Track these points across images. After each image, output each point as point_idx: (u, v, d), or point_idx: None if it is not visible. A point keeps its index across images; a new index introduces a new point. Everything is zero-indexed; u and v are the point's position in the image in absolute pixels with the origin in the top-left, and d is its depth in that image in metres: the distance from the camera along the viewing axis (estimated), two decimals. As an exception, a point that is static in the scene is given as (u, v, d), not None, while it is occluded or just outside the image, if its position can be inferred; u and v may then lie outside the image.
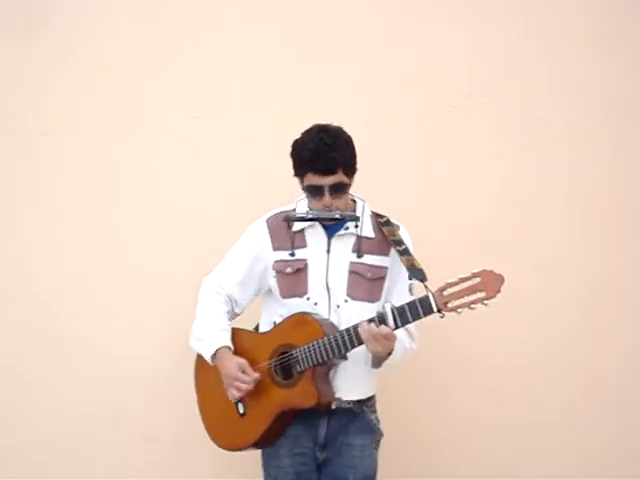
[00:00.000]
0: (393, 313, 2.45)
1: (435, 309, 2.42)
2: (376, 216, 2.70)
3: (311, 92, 3.30)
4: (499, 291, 2.38)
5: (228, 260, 2.75)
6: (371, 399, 2.71)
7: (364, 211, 2.67)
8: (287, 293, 2.63)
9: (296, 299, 2.62)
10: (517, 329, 3.34)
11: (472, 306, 2.39)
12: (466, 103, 3.35)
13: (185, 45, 3.35)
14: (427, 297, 2.43)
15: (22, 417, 3.32)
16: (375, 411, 2.72)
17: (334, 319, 2.59)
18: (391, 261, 2.66)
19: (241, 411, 2.64)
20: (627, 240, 3.38)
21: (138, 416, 3.30)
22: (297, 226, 2.64)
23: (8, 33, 3.33)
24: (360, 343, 2.48)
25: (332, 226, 2.63)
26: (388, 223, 2.69)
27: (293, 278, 2.62)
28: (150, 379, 3.31)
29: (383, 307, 2.50)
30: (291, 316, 2.59)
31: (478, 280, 2.38)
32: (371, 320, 2.46)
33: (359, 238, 2.63)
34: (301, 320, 2.57)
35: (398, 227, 2.70)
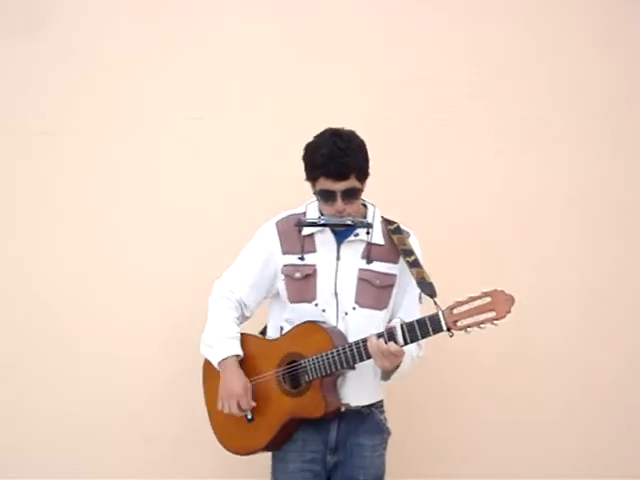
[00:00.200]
0: (402, 330, 2.43)
1: (445, 328, 2.40)
2: (386, 222, 2.68)
3: (311, 92, 3.30)
4: (509, 312, 2.37)
5: (238, 263, 2.73)
6: (379, 400, 2.71)
7: (374, 217, 2.65)
8: (295, 298, 2.62)
9: (304, 304, 2.61)
10: (517, 329, 3.34)
11: (482, 325, 2.38)
12: (466, 103, 3.36)
13: (185, 45, 3.35)
14: (437, 315, 2.41)
15: (22, 417, 3.31)
16: (383, 411, 2.72)
17: (342, 326, 2.58)
18: (400, 269, 2.64)
19: (249, 417, 2.64)
20: (627, 240, 3.38)
21: (138, 416, 3.30)
22: (307, 230, 2.62)
23: (8, 33, 3.33)
24: (368, 357, 2.47)
25: (342, 232, 2.61)
26: (398, 230, 2.66)
27: (302, 283, 2.61)
28: (150, 379, 3.31)
29: (393, 322, 2.49)
30: (300, 324, 2.58)
31: (488, 300, 2.37)
32: (380, 335, 2.45)
33: (369, 245, 2.62)
34: (310, 329, 2.55)
35: (408, 235, 2.68)
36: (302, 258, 2.62)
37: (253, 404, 2.59)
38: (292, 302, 2.63)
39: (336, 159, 2.49)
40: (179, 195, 3.33)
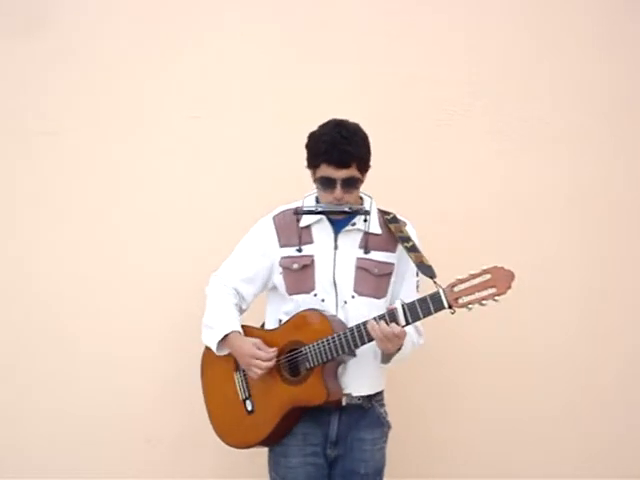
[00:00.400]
0: (404, 309, 2.45)
1: (446, 305, 2.42)
2: (382, 213, 2.71)
3: (311, 92, 3.30)
4: (510, 287, 2.38)
5: (235, 257, 2.75)
6: (380, 393, 2.72)
7: (371, 208, 2.67)
8: (294, 289, 2.63)
9: (303, 295, 2.62)
10: (517, 329, 3.34)
11: (483, 302, 2.39)
12: (466, 103, 3.36)
13: (185, 45, 3.35)
14: (438, 293, 2.43)
15: (22, 417, 3.32)
16: (384, 405, 2.73)
17: (341, 315, 2.59)
18: (397, 258, 2.66)
19: (249, 408, 2.65)
20: (627, 240, 3.38)
21: (138, 416, 3.30)
22: (304, 222, 2.64)
23: (8, 33, 3.33)
24: (370, 340, 2.48)
25: (339, 222, 2.63)
26: (395, 220, 2.69)
27: (300, 274, 2.62)
28: (150, 379, 3.31)
29: (394, 303, 2.50)
30: (300, 313, 2.59)
31: (489, 276, 2.38)
32: (381, 317, 2.46)
33: (366, 234, 2.63)
34: (310, 317, 2.57)
35: (405, 223, 2.71)
36: (300, 250, 2.63)
37: (273, 349, 2.57)
38: (290, 294, 2.64)
39: (339, 147, 2.51)
40: (179, 195, 3.34)
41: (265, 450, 2.72)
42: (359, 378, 2.61)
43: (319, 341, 2.52)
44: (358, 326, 2.50)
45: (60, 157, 3.34)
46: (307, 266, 2.62)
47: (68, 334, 3.30)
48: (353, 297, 2.61)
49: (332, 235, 2.63)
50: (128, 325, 3.31)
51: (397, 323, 2.44)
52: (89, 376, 3.30)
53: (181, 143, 3.34)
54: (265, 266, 2.69)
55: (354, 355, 2.56)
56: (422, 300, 2.44)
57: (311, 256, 2.62)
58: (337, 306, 2.60)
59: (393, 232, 2.64)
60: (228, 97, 3.34)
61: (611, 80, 3.39)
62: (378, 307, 2.58)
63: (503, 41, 3.39)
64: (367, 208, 2.64)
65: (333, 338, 2.51)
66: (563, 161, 3.37)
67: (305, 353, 2.55)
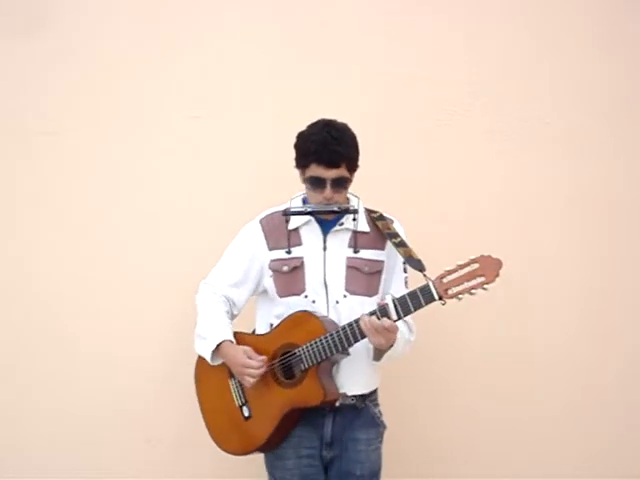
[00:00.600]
0: (394, 304, 2.45)
1: (436, 297, 2.42)
2: (369, 212, 2.72)
3: (311, 92, 3.30)
4: (498, 275, 2.39)
5: (224, 262, 2.75)
6: (374, 393, 2.72)
7: (359, 206, 2.67)
8: (284, 292, 2.63)
9: (294, 297, 2.62)
10: (517, 329, 3.34)
11: (472, 291, 2.40)
12: (466, 103, 3.36)
13: (185, 45, 3.35)
14: (427, 285, 2.44)
15: (22, 417, 3.32)
16: (378, 405, 2.73)
17: (333, 315, 2.60)
18: (387, 255, 2.67)
19: (246, 414, 2.65)
20: (627, 240, 3.38)
21: (138, 416, 3.30)
22: (292, 224, 2.64)
23: (8, 33, 3.33)
24: (363, 337, 2.49)
25: (327, 223, 2.64)
26: (382, 217, 2.70)
27: (290, 276, 2.63)
28: (150, 379, 3.31)
29: (383, 298, 2.50)
30: (291, 315, 2.59)
31: (477, 266, 2.39)
32: (372, 313, 2.47)
33: (355, 233, 2.64)
34: (301, 318, 2.57)
35: (392, 221, 2.71)
36: (289, 252, 2.64)
37: (262, 357, 2.56)
38: (281, 296, 2.64)
39: (329, 146, 2.52)
40: (179, 195, 3.34)
41: (263, 450, 2.73)
42: (353, 377, 2.61)
43: (312, 342, 2.53)
44: (350, 324, 2.50)
45: (60, 157, 3.34)
46: (297, 268, 2.62)
47: (68, 334, 3.31)
48: (345, 296, 2.61)
49: (321, 236, 2.64)
50: (128, 325, 3.31)
51: (389, 318, 2.44)
52: (89, 376, 3.30)
53: (181, 143, 3.34)
54: (254, 270, 2.69)
55: (348, 354, 2.56)
56: (412, 293, 2.45)
57: (301, 258, 2.63)
58: (328, 306, 2.61)
59: (381, 229, 2.65)
60: (228, 97, 3.34)
61: (611, 80, 3.39)
62: (370, 305, 2.58)
63: (503, 41, 3.39)
64: (355, 207, 2.64)
65: (326, 338, 2.51)
66: (563, 161, 3.37)
67: (299, 355, 2.55)
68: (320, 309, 2.60)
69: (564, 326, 3.35)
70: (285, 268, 2.63)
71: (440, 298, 2.42)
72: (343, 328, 2.51)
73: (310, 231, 2.65)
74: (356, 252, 2.63)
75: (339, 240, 2.64)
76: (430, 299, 2.43)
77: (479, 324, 3.26)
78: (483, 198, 3.35)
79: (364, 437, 2.64)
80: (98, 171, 3.34)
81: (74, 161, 3.34)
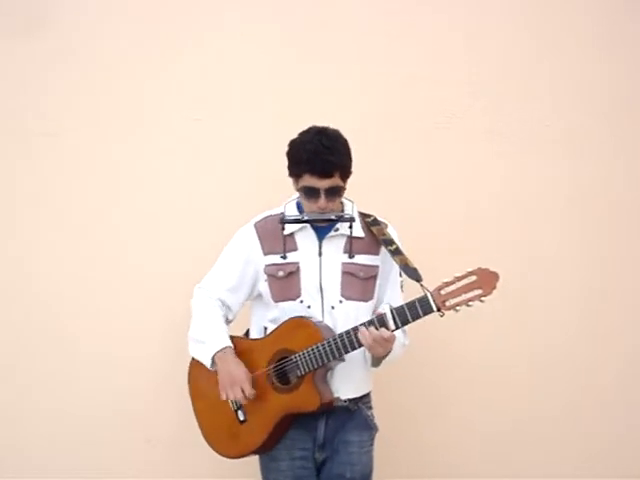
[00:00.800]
0: (393, 314, 2.45)
1: (435, 308, 2.43)
2: (363, 216, 2.71)
3: (311, 92, 3.30)
4: (495, 288, 2.40)
5: (218, 267, 2.74)
6: (367, 396, 2.72)
7: (353, 212, 2.67)
8: (279, 297, 2.63)
9: (289, 302, 2.62)
10: (517, 329, 3.35)
11: (470, 303, 2.41)
12: (466, 103, 3.36)
13: (185, 45, 3.35)
14: (426, 297, 2.44)
15: (22, 417, 3.32)
16: (371, 407, 2.73)
17: (328, 321, 2.60)
18: (381, 260, 2.67)
19: (241, 418, 2.65)
20: (627, 240, 3.39)
21: (138, 416, 3.30)
22: (288, 229, 2.63)
23: (8, 33, 3.33)
24: (360, 345, 2.49)
25: (322, 229, 2.64)
26: (376, 222, 2.69)
27: (285, 282, 2.62)
28: (150, 379, 3.31)
29: (382, 308, 2.51)
30: (288, 320, 2.58)
31: (474, 278, 2.40)
32: (370, 323, 2.47)
33: (350, 238, 2.64)
34: (298, 324, 2.57)
35: (386, 225, 2.71)
36: (284, 257, 2.63)
37: (253, 392, 2.58)
38: (276, 301, 2.64)
39: (321, 156, 2.51)
40: (179, 195, 3.34)
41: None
42: (347, 381, 2.62)
43: (310, 348, 2.52)
44: (348, 332, 2.50)
45: (60, 157, 3.34)
46: (293, 273, 2.62)
47: (68, 334, 3.31)
48: (341, 302, 2.61)
49: (316, 242, 2.64)
50: (128, 325, 3.31)
51: (387, 328, 2.44)
52: (89, 376, 3.30)
53: (181, 143, 3.33)
54: (249, 274, 2.68)
55: (343, 360, 2.57)
56: (411, 304, 2.45)
57: (296, 263, 2.62)
58: (323, 312, 2.61)
59: (375, 235, 2.65)
60: (228, 97, 3.34)
61: (611, 80, 3.39)
62: (366, 309, 2.60)
63: (503, 41, 3.39)
64: (350, 212, 2.64)
65: (323, 345, 2.51)
66: (563, 161, 3.37)
67: (295, 361, 2.55)
68: (315, 314, 2.60)
69: (564, 326, 3.35)
70: (281, 273, 2.63)
71: (438, 310, 2.43)
72: (340, 336, 2.51)
73: (305, 237, 2.65)
74: (351, 257, 2.63)
75: (334, 246, 2.64)
76: (429, 310, 2.44)
77: (479, 323, 3.25)
78: (483, 198, 3.35)
79: (356, 439, 2.65)
80: (98, 171, 3.34)
81: (74, 161, 3.34)
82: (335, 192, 2.57)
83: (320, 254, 2.63)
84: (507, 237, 3.33)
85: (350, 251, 2.63)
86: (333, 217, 2.57)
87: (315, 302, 2.61)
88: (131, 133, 3.34)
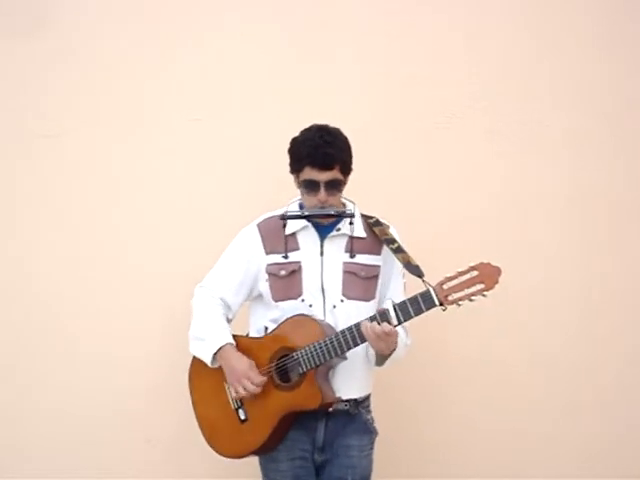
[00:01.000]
0: (395, 310, 2.46)
1: (437, 302, 2.44)
2: (365, 217, 2.72)
3: (311, 92, 3.30)
4: (497, 282, 2.42)
5: (220, 266, 2.75)
6: (367, 399, 2.72)
7: (355, 212, 2.68)
8: (280, 296, 2.64)
9: (290, 301, 2.62)
10: (517, 329, 3.35)
11: (472, 298, 2.43)
12: (466, 104, 3.35)
13: (185, 45, 3.36)
14: (428, 291, 2.45)
15: (22, 417, 3.32)
16: (370, 411, 2.73)
17: (330, 320, 2.60)
18: (383, 260, 2.68)
19: (242, 417, 2.64)
20: (627, 240, 3.38)
21: (138, 416, 3.30)
22: (290, 229, 2.64)
23: (8, 33, 3.33)
24: (363, 341, 2.49)
25: (324, 228, 2.64)
26: (378, 223, 2.70)
27: (287, 281, 2.63)
28: (150, 379, 3.31)
29: (384, 304, 2.52)
30: (289, 319, 2.59)
31: (476, 273, 2.42)
32: (373, 318, 2.48)
33: (351, 238, 2.65)
34: (300, 321, 2.57)
35: (388, 226, 2.72)
36: (286, 256, 2.64)
37: (263, 378, 2.57)
38: (277, 300, 2.64)
39: (322, 149, 2.54)
40: (179, 195, 3.34)
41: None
42: (349, 381, 2.62)
43: (311, 345, 2.53)
44: (350, 328, 2.51)
45: (60, 157, 3.34)
46: (294, 272, 2.63)
47: (68, 334, 3.31)
48: (342, 301, 2.62)
49: (318, 241, 2.64)
50: (128, 325, 3.31)
51: (389, 323, 2.45)
52: (89, 376, 3.30)
53: (181, 143, 3.34)
54: (251, 274, 2.69)
55: (345, 358, 2.57)
56: (413, 299, 2.46)
57: (298, 262, 2.63)
58: (325, 311, 2.61)
59: (378, 235, 2.66)
60: (228, 97, 3.34)
61: (611, 80, 3.39)
62: (367, 309, 2.59)
63: (503, 41, 3.39)
64: (352, 211, 2.65)
65: (325, 342, 2.51)
66: (563, 161, 3.37)
67: (297, 358, 2.55)
68: (317, 313, 2.60)
69: (564, 326, 3.35)
70: (282, 272, 2.63)
71: (441, 304, 2.44)
72: (342, 332, 2.52)
73: (307, 236, 2.65)
74: (352, 257, 2.64)
75: (336, 245, 2.65)
76: (431, 305, 2.45)
77: (480, 323, 3.25)
78: (483, 198, 3.35)
79: (357, 444, 2.65)
80: (98, 171, 3.34)
81: (74, 161, 3.34)
82: (335, 185, 2.58)
83: (322, 253, 2.64)
84: (507, 237, 3.33)
85: (351, 250, 2.64)
86: (333, 212, 2.59)
87: (317, 301, 2.61)
88: (131, 133, 3.34)
